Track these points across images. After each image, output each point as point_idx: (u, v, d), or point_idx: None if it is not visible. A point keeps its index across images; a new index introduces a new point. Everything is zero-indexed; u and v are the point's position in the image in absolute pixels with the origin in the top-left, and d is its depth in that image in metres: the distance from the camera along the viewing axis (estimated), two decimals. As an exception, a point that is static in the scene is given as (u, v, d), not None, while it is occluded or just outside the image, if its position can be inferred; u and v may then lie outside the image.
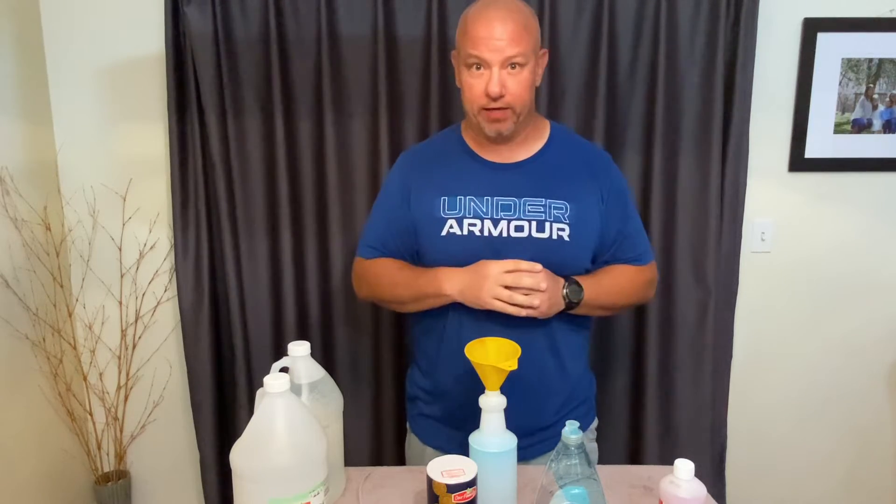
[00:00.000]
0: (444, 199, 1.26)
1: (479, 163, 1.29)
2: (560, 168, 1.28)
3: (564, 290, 1.21)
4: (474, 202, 1.25)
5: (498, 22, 1.16)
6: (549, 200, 1.25)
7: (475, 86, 1.20)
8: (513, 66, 1.18)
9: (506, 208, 1.25)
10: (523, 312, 1.16)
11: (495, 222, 1.24)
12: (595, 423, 1.41)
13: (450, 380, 1.30)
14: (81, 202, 1.99)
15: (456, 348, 1.23)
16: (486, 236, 1.24)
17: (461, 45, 1.22)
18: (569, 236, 1.24)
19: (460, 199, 1.26)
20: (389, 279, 1.32)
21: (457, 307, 1.23)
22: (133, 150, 1.96)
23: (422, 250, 1.29)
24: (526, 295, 1.15)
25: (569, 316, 1.25)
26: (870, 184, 1.99)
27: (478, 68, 1.19)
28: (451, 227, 1.25)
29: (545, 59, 1.28)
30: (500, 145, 1.28)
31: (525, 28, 1.18)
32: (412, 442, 1.42)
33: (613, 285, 1.30)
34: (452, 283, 1.20)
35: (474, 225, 1.24)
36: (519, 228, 1.23)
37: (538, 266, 1.16)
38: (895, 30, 1.88)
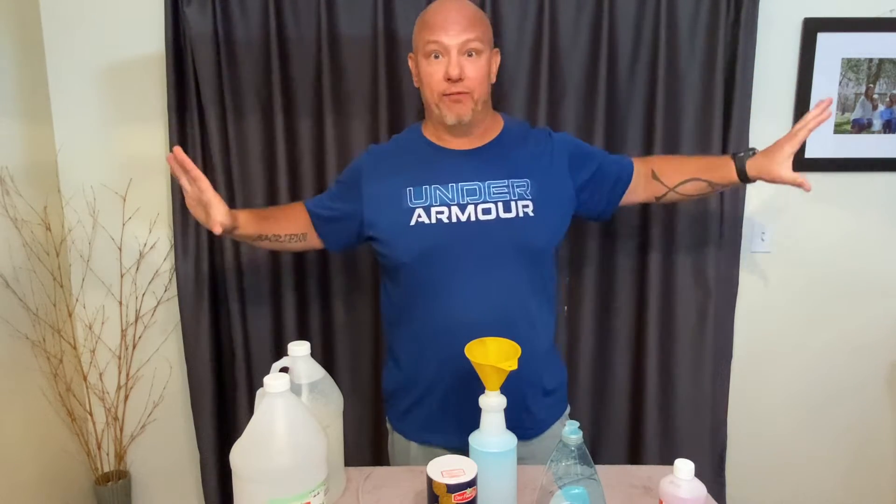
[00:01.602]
0: (410, 190, 1.28)
1: (441, 151, 1.32)
2: (518, 150, 1.33)
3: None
4: (440, 190, 1.27)
5: (454, 10, 1.23)
6: (511, 180, 1.28)
7: (435, 73, 1.24)
8: (469, 53, 1.23)
9: (471, 193, 1.27)
10: None
11: (462, 207, 1.26)
12: (567, 409, 1.43)
13: (432, 367, 1.29)
14: (81, 202, 1.99)
15: (436, 333, 1.25)
16: (454, 223, 1.25)
17: (419, 39, 1.26)
18: (533, 211, 1.26)
19: (426, 189, 1.27)
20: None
21: (428, 293, 1.25)
22: (133, 150, 1.96)
23: (390, 243, 1.29)
24: None
25: (538, 302, 1.30)
26: (870, 184, 1.99)
27: (436, 57, 1.23)
28: (419, 216, 1.26)
29: (498, 58, 1.35)
30: (461, 137, 1.31)
31: (478, 17, 1.25)
32: (396, 441, 1.40)
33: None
34: None
35: (441, 212, 1.26)
36: (486, 211, 1.26)
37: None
38: (895, 30, 1.88)
